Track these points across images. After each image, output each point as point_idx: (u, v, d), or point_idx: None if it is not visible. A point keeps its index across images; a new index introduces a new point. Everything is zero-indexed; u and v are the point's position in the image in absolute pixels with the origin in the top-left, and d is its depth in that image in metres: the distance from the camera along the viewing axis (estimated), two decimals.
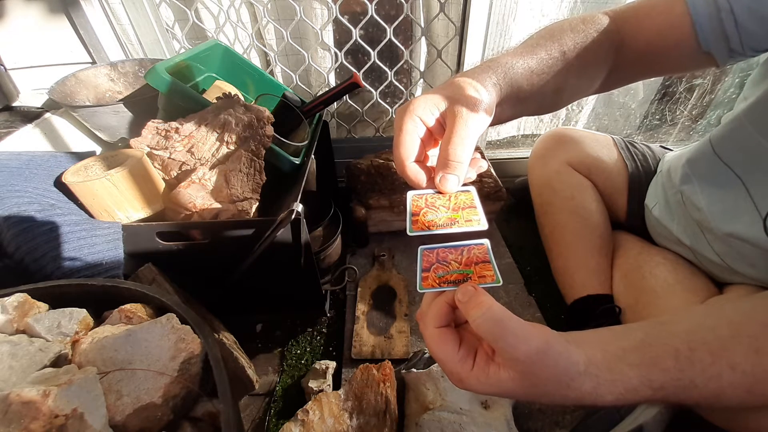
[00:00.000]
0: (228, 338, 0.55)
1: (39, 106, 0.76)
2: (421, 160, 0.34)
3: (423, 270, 0.31)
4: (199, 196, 0.53)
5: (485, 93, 0.34)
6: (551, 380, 0.29)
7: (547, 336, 0.29)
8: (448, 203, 0.32)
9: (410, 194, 0.33)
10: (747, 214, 0.48)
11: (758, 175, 0.48)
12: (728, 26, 0.40)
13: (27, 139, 0.67)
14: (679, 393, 0.31)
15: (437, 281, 0.31)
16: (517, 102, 0.39)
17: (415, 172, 0.33)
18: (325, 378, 0.61)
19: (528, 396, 0.30)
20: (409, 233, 0.31)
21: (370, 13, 0.84)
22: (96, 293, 0.43)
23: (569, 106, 1.07)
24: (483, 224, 0.31)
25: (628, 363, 0.31)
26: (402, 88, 0.99)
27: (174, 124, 0.54)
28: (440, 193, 0.33)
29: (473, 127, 0.31)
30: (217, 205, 0.55)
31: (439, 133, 0.33)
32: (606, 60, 0.45)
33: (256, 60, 0.95)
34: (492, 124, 0.36)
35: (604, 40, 0.43)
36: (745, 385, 0.32)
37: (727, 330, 0.34)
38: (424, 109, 0.32)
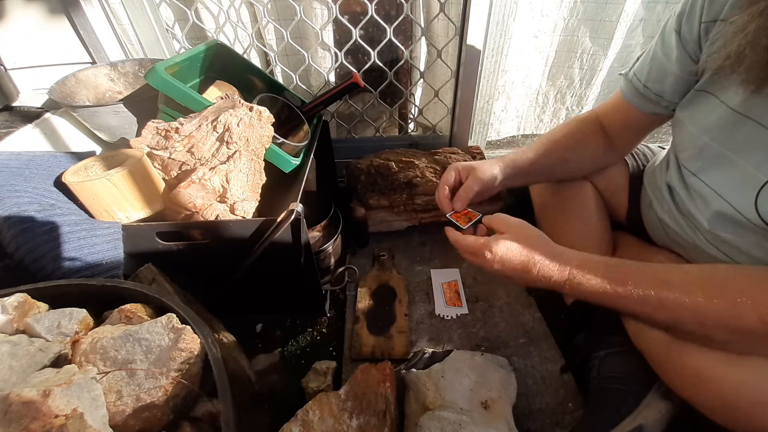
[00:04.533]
0: (228, 338, 0.55)
1: (39, 106, 0.76)
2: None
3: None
4: (199, 196, 0.53)
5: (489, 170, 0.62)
6: (532, 234, 0.52)
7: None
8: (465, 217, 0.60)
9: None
10: (720, 206, 0.49)
11: (723, 180, 0.49)
12: (650, 96, 0.57)
13: (27, 139, 0.67)
14: (633, 275, 0.44)
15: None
16: (520, 177, 0.65)
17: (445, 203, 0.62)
18: (325, 378, 0.61)
19: (527, 248, 0.49)
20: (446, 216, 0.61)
21: (370, 13, 0.84)
22: (96, 293, 0.43)
23: (569, 105, 1.07)
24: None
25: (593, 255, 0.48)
26: (402, 88, 0.99)
27: (174, 124, 0.54)
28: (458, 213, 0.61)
29: (473, 183, 0.61)
30: (217, 205, 0.55)
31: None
32: (594, 137, 0.65)
33: (256, 60, 0.95)
34: (505, 187, 0.66)
35: (586, 126, 0.65)
36: (698, 283, 0.41)
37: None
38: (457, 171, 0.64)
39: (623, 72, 0.62)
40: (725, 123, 0.47)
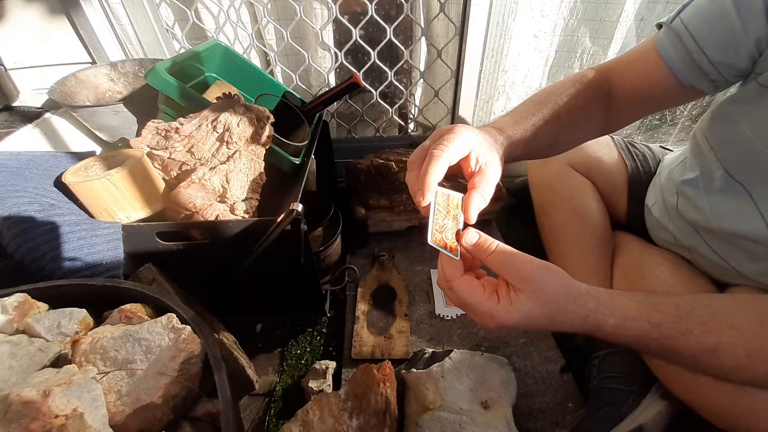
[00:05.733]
0: (228, 338, 0.55)
1: (39, 106, 0.76)
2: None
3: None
4: (199, 196, 0.53)
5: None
6: (560, 294, 0.34)
7: (547, 261, 0.35)
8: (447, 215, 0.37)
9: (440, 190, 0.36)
10: (750, 217, 0.48)
11: (763, 187, 0.46)
12: (703, 64, 0.43)
13: (27, 139, 0.67)
14: (677, 337, 0.35)
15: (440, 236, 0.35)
16: (514, 157, 0.46)
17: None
18: (325, 378, 0.61)
19: (548, 316, 0.33)
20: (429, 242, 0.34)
21: (370, 13, 0.84)
22: (96, 293, 0.43)
23: None
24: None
25: (629, 299, 0.36)
26: (402, 88, 0.99)
27: (174, 124, 0.54)
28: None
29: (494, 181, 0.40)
30: (217, 205, 0.55)
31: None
32: (597, 112, 0.50)
33: (256, 60, 0.95)
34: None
35: (593, 95, 0.49)
36: (744, 346, 0.35)
37: (732, 302, 0.38)
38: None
39: (663, 20, 0.46)
40: None
